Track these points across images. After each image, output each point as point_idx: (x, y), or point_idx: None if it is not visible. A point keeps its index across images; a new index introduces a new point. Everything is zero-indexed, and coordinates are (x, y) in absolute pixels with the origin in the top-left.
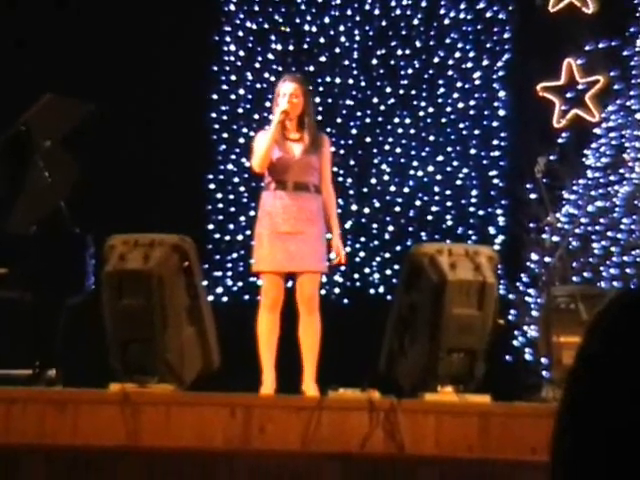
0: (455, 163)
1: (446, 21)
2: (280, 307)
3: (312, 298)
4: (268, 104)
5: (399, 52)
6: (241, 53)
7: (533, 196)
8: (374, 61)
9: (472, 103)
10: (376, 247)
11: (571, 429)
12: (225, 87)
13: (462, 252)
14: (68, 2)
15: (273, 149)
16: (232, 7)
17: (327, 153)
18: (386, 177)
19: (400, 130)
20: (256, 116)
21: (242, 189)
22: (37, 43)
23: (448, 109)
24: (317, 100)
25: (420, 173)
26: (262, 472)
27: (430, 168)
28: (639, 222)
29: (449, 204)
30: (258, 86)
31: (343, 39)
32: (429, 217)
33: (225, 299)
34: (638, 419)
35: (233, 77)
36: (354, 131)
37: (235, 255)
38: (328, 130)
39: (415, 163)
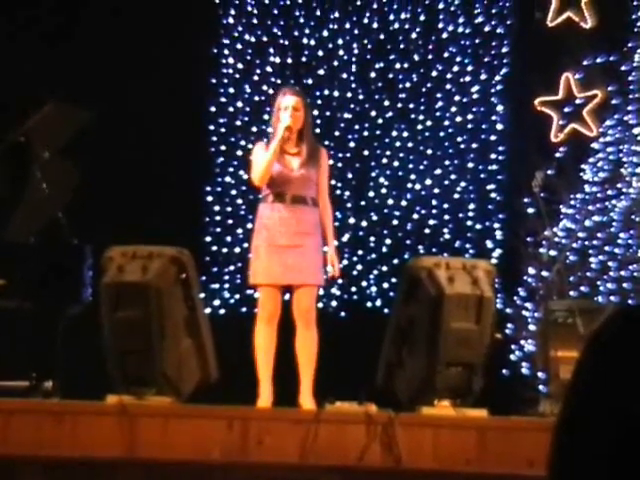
0: (453, 177)
1: (444, 35)
2: (277, 320)
3: (309, 311)
4: (266, 117)
5: (397, 65)
6: (239, 66)
7: (531, 210)
8: (372, 74)
9: (470, 117)
10: (373, 260)
11: (569, 443)
12: (223, 99)
13: (460, 266)
14: (71, 16)
15: (273, 163)
16: (231, 20)
17: (325, 166)
18: (384, 190)
19: (398, 143)
20: (254, 129)
21: (240, 201)
22: (41, 58)
23: (446, 123)
24: (315, 113)
25: (418, 186)
26: None
27: (428, 181)
28: (636, 237)
29: (447, 217)
30: (256, 99)
31: (341, 52)
32: (427, 230)
33: (222, 311)
34: (637, 433)
35: (231, 89)
36: (352, 144)
37: (232, 267)
38: (326, 143)
39: (413, 176)
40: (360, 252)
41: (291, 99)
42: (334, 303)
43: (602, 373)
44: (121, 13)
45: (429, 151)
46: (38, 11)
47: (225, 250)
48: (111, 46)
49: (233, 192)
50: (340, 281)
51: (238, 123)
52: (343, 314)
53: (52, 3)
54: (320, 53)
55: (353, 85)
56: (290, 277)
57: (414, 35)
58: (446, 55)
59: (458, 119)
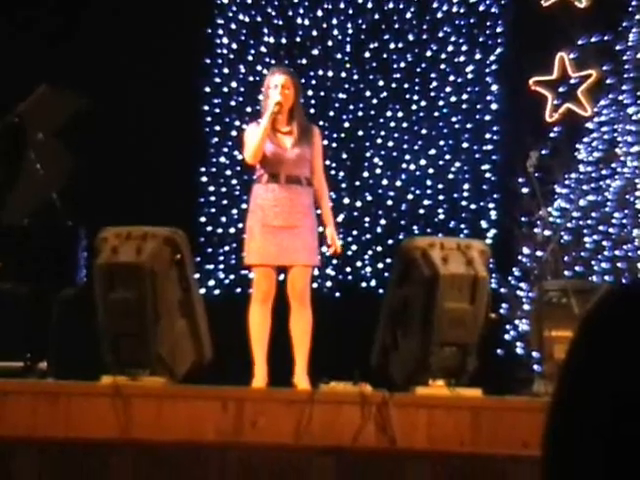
0: (447, 157)
1: (439, 15)
2: (272, 300)
3: (304, 292)
4: (261, 97)
5: (392, 46)
6: (234, 46)
7: (525, 190)
8: (367, 54)
9: (464, 97)
10: (368, 241)
11: (563, 424)
12: (218, 80)
13: (454, 246)
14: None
15: (265, 140)
16: (225, 0)
17: (318, 145)
18: (378, 170)
19: (392, 124)
20: (249, 109)
21: (234, 182)
22: (31, 34)
23: (440, 103)
24: (310, 93)
25: (412, 167)
26: (253, 465)
27: (422, 162)
28: (630, 216)
29: (441, 198)
30: (251, 79)
31: (336, 32)
32: (421, 211)
33: (217, 292)
34: (631, 414)
35: (226, 70)
36: (346, 124)
37: (227, 248)
38: (320, 123)
39: (407, 157)
40: (354, 232)
41: (280, 77)
42: (329, 283)
43: (596, 352)
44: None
45: (424, 131)
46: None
47: (220, 230)
48: (105, 27)
49: (228, 172)
50: (335, 261)
51: (232, 103)
52: (338, 294)
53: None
54: (314, 33)
55: (347, 65)
56: (284, 258)
57: (408, 15)
58: (441, 35)
59: (453, 99)
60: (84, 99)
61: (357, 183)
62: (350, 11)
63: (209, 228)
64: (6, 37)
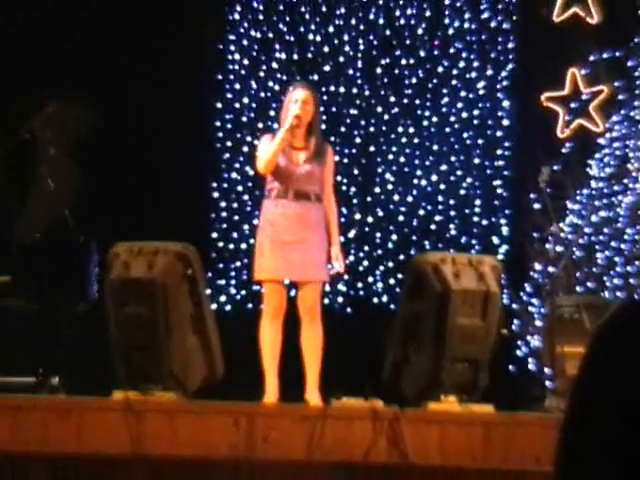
0: (459, 173)
1: (450, 31)
2: (283, 315)
3: (314, 307)
4: (272, 113)
5: (403, 61)
6: (245, 62)
7: (537, 206)
8: (378, 70)
9: (476, 113)
10: (380, 256)
11: (575, 439)
12: (229, 96)
13: (466, 261)
14: (74, 14)
15: (280, 152)
16: (237, 16)
17: (330, 163)
18: (390, 186)
19: (404, 139)
20: (260, 125)
21: (246, 197)
22: (46, 52)
23: (452, 119)
24: (321, 109)
25: (424, 182)
26: None
27: (434, 177)
28: None
29: (453, 213)
30: (262, 95)
31: (347, 48)
32: (433, 226)
33: (229, 307)
34: None
35: (237, 86)
36: (358, 140)
37: (239, 263)
38: (332, 139)
39: (419, 172)
40: (366, 248)
41: (302, 92)
42: (340, 299)
43: (608, 368)
44: (127, 9)
45: (435, 147)
46: (38, 11)
47: (231, 246)
48: (117, 43)
49: (239, 188)
50: (346, 277)
51: (244, 119)
52: (349, 310)
53: (53, 3)
54: (326, 49)
55: (359, 81)
56: (294, 273)
57: (420, 31)
58: (452, 51)
59: (464, 115)
60: (94, 114)
61: (369, 199)
62: (361, 27)
63: (221, 244)
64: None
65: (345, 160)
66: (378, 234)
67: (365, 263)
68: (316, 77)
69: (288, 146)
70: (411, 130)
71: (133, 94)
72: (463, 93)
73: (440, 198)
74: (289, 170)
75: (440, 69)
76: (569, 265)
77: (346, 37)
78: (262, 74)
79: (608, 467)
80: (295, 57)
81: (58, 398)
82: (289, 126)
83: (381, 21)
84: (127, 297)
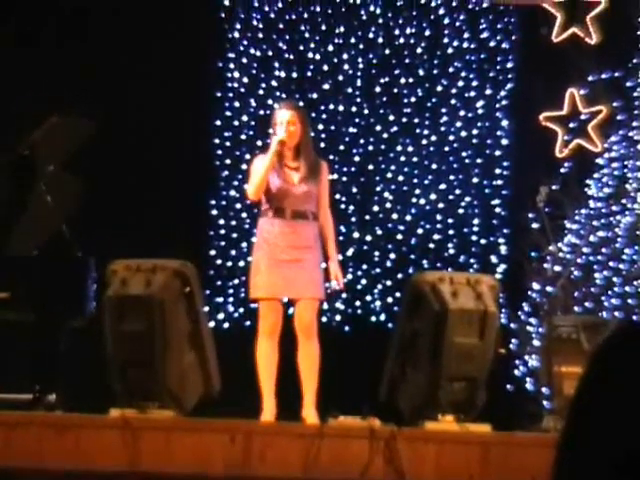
0: (457, 191)
1: (449, 50)
2: (279, 333)
3: (310, 325)
4: (272, 131)
5: (402, 80)
6: (245, 80)
7: (535, 225)
8: (377, 89)
9: (475, 132)
10: (378, 275)
11: (570, 460)
12: (228, 113)
13: (464, 281)
14: (75, 30)
15: (267, 179)
16: (236, 34)
17: (325, 180)
18: (388, 205)
19: (403, 158)
20: (259, 142)
21: (244, 215)
22: (44, 64)
23: (451, 137)
24: (320, 127)
25: (422, 201)
26: None
27: (432, 196)
28: None
29: (451, 232)
30: (261, 112)
31: (346, 67)
32: (431, 245)
33: (226, 325)
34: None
35: (237, 103)
36: (357, 158)
37: (237, 281)
38: (331, 157)
39: (417, 191)
40: (364, 266)
41: (286, 113)
42: (338, 317)
43: (605, 388)
44: (127, 26)
45: (434, 166)
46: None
47: (229, 264)
48: (117, 59)
49: (238, 206)
50: (344, 295)
51: (243, 137)
52: (347, 328)
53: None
54: (325, 67)
55: (358, 100)
56: (291, 291)
57: (419, 50)
58: (451, 70)
59: (463, 134)
60: (93, 124)
61: (367, 217)
62: (361, 46)
63: (219, 261)
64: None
65: (344, 178)
66: (376, 252)
67: (363, 281)
68: (315, 95)
69: (282, 166)
70: (410, 149)
71: (133, 110)
72: (462, 112)
73: (438, 217)
74: (285, 190)
75: (439, 88)
76: (567, 285)
77: (345, 56)
78: (261, 92)
79: None
80: (294, 75)
81: (55, 415)
82: (274, 151)
83: (380, 40)
84: (125, 314)
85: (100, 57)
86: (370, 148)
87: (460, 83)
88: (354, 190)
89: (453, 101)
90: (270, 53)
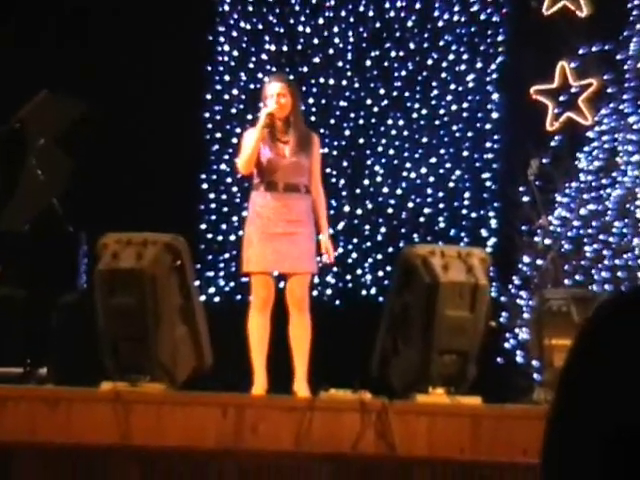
0: (448, 165)
1: (440, 23)
2: (270, 307)
3: (302, 299)
4: (262, 105)
5: (393, 54)
6: (235, 53)
7: (525, 199)
8: (368, 62)
9: (465, 105)
10: (368, 248)
11: (560, 433)
12: (219, 87)
13: (454, 254)
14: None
15: (257, 152)
16: (226, 7)
17: (317, 153)
18: (379, 178)
19: (393, 132)
20: (249, 116)
21: (235, 189)
22: (32, 39)
23: (441, 111)
24: (311, 101)
25: (413, 175)
26: (253, 472)
27: (423, 170)
28: (631, 225)
29: (442, 206)
30: (252, 86)
31: (337, 40)
32: (422, 219)
33: (217, 299)
34: (630, 422)
35: (227, 77)
36: (347, 132)
37: (227, 255)
38: (321, 131)
39: (408, 165)
40: (355, 240)
41: (276, 86)
42: (329, 291)
43: (593, 363)
44: (119, 1)
45: (424, 139)
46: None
47: (220, 238)
48: (106, 34)
49: (228, 180)
50: (335, 269)
51: (233, 111)
52: (338, 302)
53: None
54: (315, 41)
55: (348, 73)
56: (283, 265)
57: (410, 23)
58: (442, 43)
59: (453, 107)
60: (84, 104)
61: (358, 191)
62: (351, 19)
63: (209, 235)
64: (6, 37)
65: (334, 152)
66: (367, 226)
67: (354, 255)
68: (306, 69)
69: (273, 139)
70: (400, 122)
71: (122, 86)
72: (453, 86)
73: (429, 190)
74: (276, 163)
75: (430, 62)
76: (557, 258)
77: (336, 29)
78: (252, 66)
79: (593, 461)
80: (285, 49)
81: (46, 389)
82: (263, 124)
83: (371, 13)
84: (115, 287)
85: (88, 32)
86: (360, 122)
87: (450, 56)
88: (345, 164)
89: (443, 75)
90: (260, 26)
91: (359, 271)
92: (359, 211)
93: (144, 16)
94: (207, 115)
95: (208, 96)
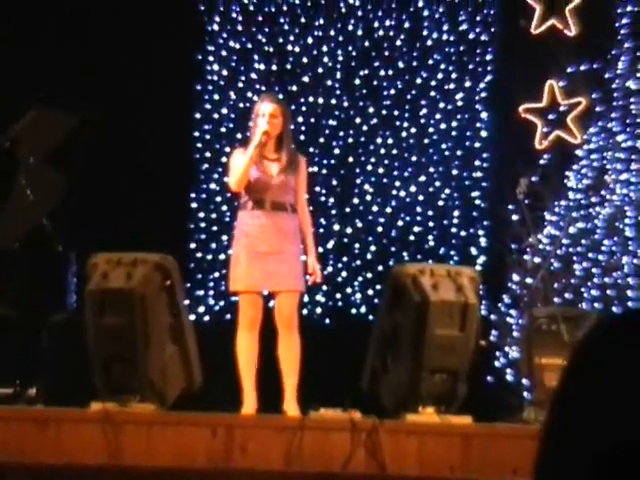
0: (437, 184)
1: (429, 42)
2: (259, 326)
3: (291, 317)
4: (251, 124)
5: (382, 72)
6: (224, 72)
7: (515, 217)
8: (357, 81)
9: (454, 124)
10: (358, 267)
11: (552, 454)
12: (208, 106)
13: (444, 273)
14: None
15: (250, 169)
16: (215, 27)
17: (304, 173)
18: (368, 197)
19: (382, 150)
20: (239, 135)
21: (224, 208)
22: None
23: (430, 130)
24: (300, 120)
25: (402, 193)
26: None
27: (412, 188)
28: (620, 244)
29: (431, 224)
30: (241, 105)
31: (326, 59)
32: (411, 237)
33: (207, 318)
34: (623, 442)
35: (216, 96)
36: (336, 151)
37: (217, 274)
38: (311, 150)
39: (397, 183)
40: (344, 259)
41: (268, 106)
42: (319, 310)
43: (587, 382)
44: (106, 20)
45: (414, 158)
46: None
47: (210, 257)
48: (96, 52)
49: (218, 199)
50: (325, 288)
51: (223, 130)
52: (327, 321)
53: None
54: (305, 60)
55: (338, 92)
56: (271, 284)
57: (399, 42)
58: (431, 62)
59: (442, 126)
60: (75, 118)
61: (347, 209)
62: (340, 38)
63: (199, 254)
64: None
65: (324, 171)
66: (357, 245)
67: (344, 274)
68: (295, 88)
69: (261, 158)
70: (390, 141)
71: (112, 104)
72: (442, 104)
73: (419, 209)
74: (264, 182)
75: (419, 80)
76: (547, 276)
77: (325, 48)
78: (241, 85)
79: (586, 478)
80: (274, 68)
81: (36, 409)
82: (258, 143)
83: (360, 32)
84: (105, 307)
85: (79, 50)
86: (350, 140)
87: (439, 75)
88: (334, 182)
89: (432, 93)
90: (249, 46)
91: (349, 290)
92: (349, 230)
93: (133, 35)
94: (197, 134)
95: (197, 115)
